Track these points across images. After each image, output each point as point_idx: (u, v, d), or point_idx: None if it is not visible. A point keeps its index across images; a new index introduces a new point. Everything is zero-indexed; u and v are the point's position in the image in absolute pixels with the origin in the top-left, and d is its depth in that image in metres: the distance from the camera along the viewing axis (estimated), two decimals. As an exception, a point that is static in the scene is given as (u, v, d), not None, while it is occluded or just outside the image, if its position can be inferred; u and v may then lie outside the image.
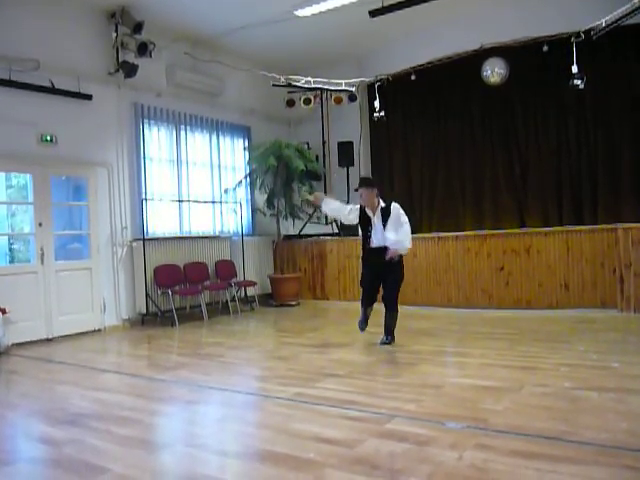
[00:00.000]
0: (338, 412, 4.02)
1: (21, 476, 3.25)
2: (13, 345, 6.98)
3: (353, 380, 4.94)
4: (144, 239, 8.63)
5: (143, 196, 8.81)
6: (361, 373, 5.20)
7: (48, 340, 7.51)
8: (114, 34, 8.29)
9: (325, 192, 11.11)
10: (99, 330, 8.16)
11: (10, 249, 8.10)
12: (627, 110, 8.78)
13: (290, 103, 11.08)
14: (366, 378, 5.02)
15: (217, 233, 10.10)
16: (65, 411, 4.33)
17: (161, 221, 9.14)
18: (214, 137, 10.28)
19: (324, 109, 11.24)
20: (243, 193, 10.66)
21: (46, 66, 7.55)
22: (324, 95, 10.91)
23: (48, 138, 7.69)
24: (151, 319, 8.70)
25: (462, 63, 9.44)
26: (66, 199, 8.49)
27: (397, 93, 10.59)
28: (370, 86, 10.63)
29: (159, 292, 8.72)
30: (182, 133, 9.65)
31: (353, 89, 10.54)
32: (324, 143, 11.38)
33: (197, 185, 9.85)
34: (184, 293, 8.97)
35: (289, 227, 10.86)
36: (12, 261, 8.03)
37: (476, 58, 9.23)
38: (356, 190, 6.45)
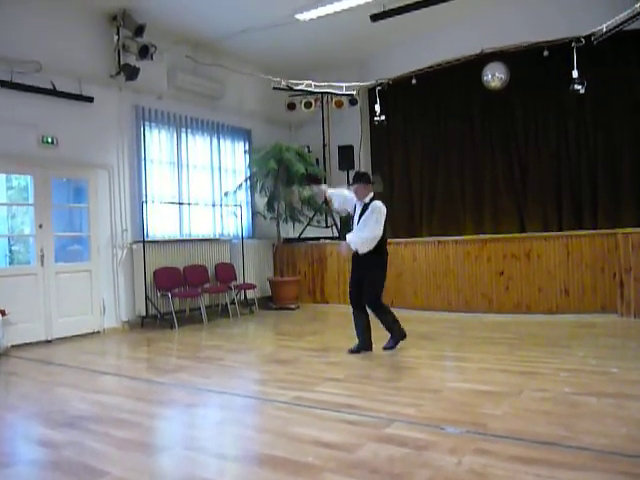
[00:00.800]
0: (337, 416, 4.02)
1: (20, 479, 3.24)
2: (12, 347, 6.98)
3: (352, 384, 4.94)
4: (144, 241, 8.63)
5: (143, 198, 8.81)
6: (360, 377, 5.20)
7: (47, 342, 7.51)
8: (116, 37, 8.31)
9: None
10: (98, 332, 8.16)
11: (10, 250, 8.11)
12: (627, 114, 8.79)
13: (291, 106, 11.10)
14: (365, 382, 5.02)
15: (217, 236, 10.10)
16: (64, 413, 4.33)
17: (161, 223, 9.14)
18: (215, 140, 10.29)
19: (325, 113, 11.26)
20: (243, 196, 10.66)
21: (48, 68, 7.57)
22: (325, 99, 10.93)
23: (49, 140, 7.70)
24: (151, 321, 8.69)
25: (463, 67, 9.45)
26: (66, 201, 8.49)
27: (398, 97, 10.61)
28: (371, 90, 10.65)
29: (159, 294, 8.72)
30: (183, 136, 9.66)
31: (354, 93, 10.57)
32: (325, 146, 11.39)
33: (197, 188, 9.86)
34: (184, 296, 8.96)
35: (289, 230, 10.86)
36: (12, 262, 8.04)
37: (477, 63, 9.25)
38: (350, 184, 6.20)
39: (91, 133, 8.24)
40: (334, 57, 10.58)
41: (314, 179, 9.74)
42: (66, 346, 7.36)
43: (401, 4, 7.71)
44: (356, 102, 10.76)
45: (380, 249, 6.02)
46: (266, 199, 10.40)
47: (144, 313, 8.61)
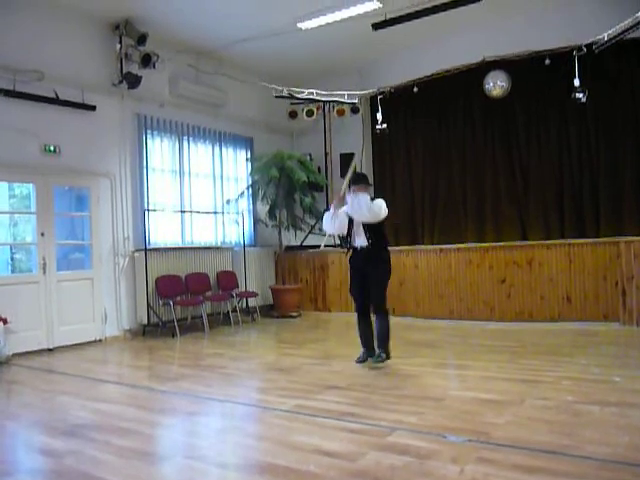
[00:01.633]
0: (339, 424, 4.01)
1: (20, 487, 3.24)
2: (14, 355, 6.97)
3: (354, 392, 4.92)
4: (146, 249, 8.63)
5: (145, 206, 8.82)
6: (362, 385, 5.19)
7: (49, 350, 7.50)
8: (118, 45, 8.35)
9: (327, 203, 11.15)
10: (100, 340, 8.15)
11: (12, 259, 8.11)
12: (629, 122, 8.78)
13: (292, 115, 11.13)
14: (367, 390, 5.00)
15: (219, 244, 10.11)
16: (65, 422, 4.32)
17: (163, 231, 9.15)
18: (216, 148, 10.31)
19: (326, 121, 11.28)
20: (245, 204, 10.67)
21: (50, 77, 7.60)
22: (326, 107, 10.95)
23: (51, 148, 7.73)
24: (152, 330, 8.68)
25: (464, 76, 9.48)
26: (68, 209, 8.51)
27: (399, 105, 10.62)
28: (372, 98, 10.67)
29: (160, 303, 8.71)
30: (185, 144, 9.68)
31: (355, 101, 10.60)
32: (326, 154, 11.39)
33: (199, 196, 9.87)
34: (185, 304, 8.96)
35: (291, 238, 10.86)
36: (14, 271, 8.04)
37: (478, 71, 9.27)
38: (350, 187, 6.02)
39: (93, 141, 8.27)
40: (336, 65, 10.61)
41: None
42: (68, 354, 7.35)
43: (402, 13, 7.73)
44: (358, 110, 10.79)
45: (385, 244, 6.00)
46: (268, 207, 10.40)
47: (146, 321, 8.60)
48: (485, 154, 10.16)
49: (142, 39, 8.27)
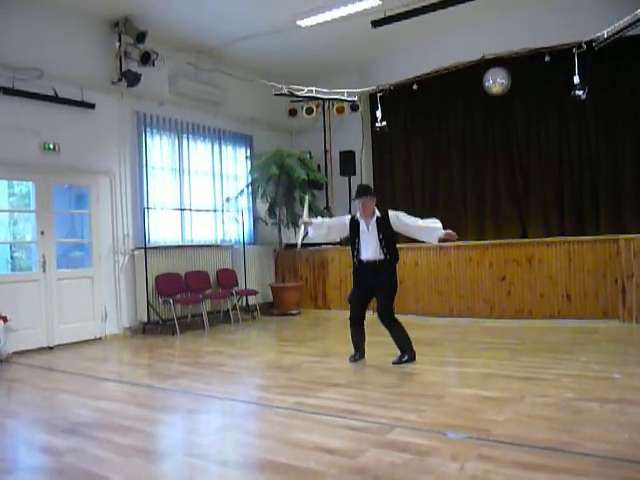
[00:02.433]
0: (339, 422, 4.01)
1: (21, 485, 3.25)
2: (14, 353, 6.97)
3: (354, 390, 4.93)
4: (146, 247, 8.63)
5: (145, 204, 8.82)
6: (362, 383, 5.20)
7: (49, 348, 7.51)
8: (117, 43, 8.34)
9: (327, 202, 11.15)
10: (100, 338, 8.16)
11: (12, 257, 8.10)
12: (629, 119, 8.80)
13: (292, 112, 11.13)
14: (367, 388, 5.01)
15: (219, 242, 10.11)
16: (66, 420, 4.32)
17: (163, 229, 9.15)
18: (216, 146, 10.31)
19: (326, 118, 11.28)
20: (245, 202, 10.67)
21: (49, 75, 7.59)
22: (326, 104, 10.95)
23: (51, 146, 7.72)
24: (152, 328, 8.69)
25: (464, 73, 9.47)
26: (68, 207, 8.51)
27: (399, 103, 10.61)
28: (372, 96, 10.66)
29: (160, 301, 8.71)
30: (184, 142, 9.67)
31: (355, 99, 10.58)
32: (326, 152, 11.39)
33: (199, 194, 9.87)
34: (185, 302, 8.96)
35: (290, 236, 10.86)
36: (14, 269, 8.04)
37: (478, 68, 9.26)
38: (355, 199, 6.02)
39: (93, 139, 8.26)
40: (335, 63, 10.60)
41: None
42: (68, 352, 7.36)
43: (402, 10, 7.73)
44: (357, 108, 10.78)
45: (397, 257, 5.98)
46: (267, 205, 10.41)
47: (146, 319, 8.60)
48: (485, 152, 10.17)
49: (141, 37, 8.27)
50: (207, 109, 10.05)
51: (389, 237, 5.87)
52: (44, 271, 7.57)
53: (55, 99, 7.69)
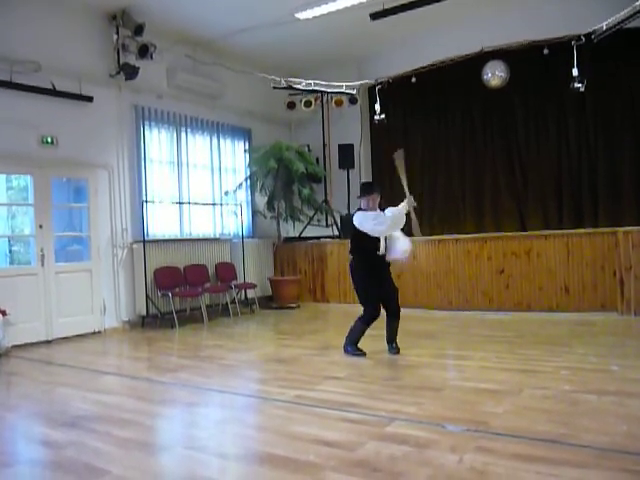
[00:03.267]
0: (338, 415, 4.02)
1: (21, 478, 3.25)
2: (13, 347, 6.98)
3: (353, 382, 4.94)
4: (144, 241, 8.63)
5: (143, 198, 8.81)
6: (361, 375, 5.20)
7: (48, 342, 7.51)
8: (115, 36, 8.31)
9: (325, 195, 11.14)
10: (99, 332, 8.16)
11: (10, 251, 8.10)
12: (628, 112, 8.80)
13: (291, 105, 11.09)
14: (366, 380, 5.02)
15: (217, 235, 10.10)
16: (65, 413, 4.33)
17: (161, 223, 9.15)
18: (214, 139, 10.29)
19: (325, 111, 11.26)
20: (243, 195, 10.67)
21: (47, 68, 7.57)
22: (325, 97, 10.92)
23: (49, 140, 7.70)
24: (151, 321, 8.69)
25: (463, 66, 9.45)
26: (66, 201, 8.50)
27: (398, 96, 10.60)
28: (371, 88, 10.64)
29: (159, 294, 8.72)
30: (182, 135, 9.66)
31: (354, 91, 10.56)
32: (325, 145, 11.39)
33: (197, 187, 9.86)
34: (184, 295, 8.96)
35: (289, 229, 10.87)
36: (12, 263, 8.04)
37: (477, 61, 9.23)
38: (359, 197, 6.13)
39: (91, 133, 8.24)
40: (334, 56, 10.57)
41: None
42: (67, 346, 7.36)
43: (400, 3, 7.71)
44: (356, 101, 10.76)
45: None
46: (266, 198, 10.40)
47: (145, 313, 8.61)
48: (484, 144, 10.17)
49: (139, 30, 8.23)
50: (205, 102, 10.03)
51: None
52: (42, 265, 7.56)
53: (53, 92, 7.66)
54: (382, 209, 6.06)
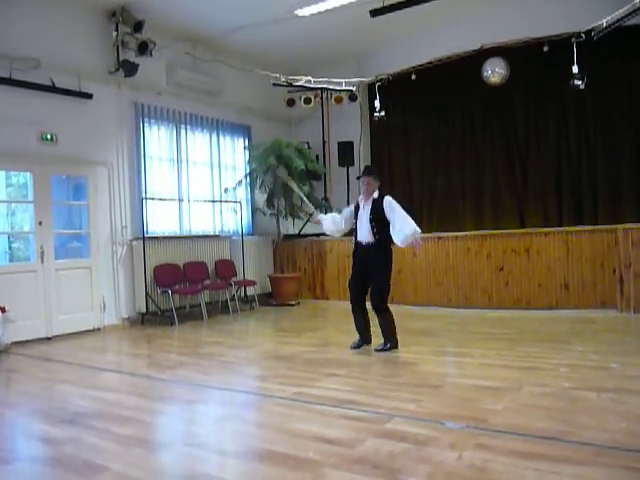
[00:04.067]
0: (338, 412, 4.02)
1: (21, 475, 3.25)
2: (12, 344, 6.97)
3: (353, 380, 4.94)
4: (144, 238, 8.62)
5: (143, 195, 8.80)
6: (361, 373, 5.20)
7: (47, 339, 7.51)
8: (114, 33, 8.29)
9: (325, 192, 11.14)
10: (99, 329, 8.16)
11: (10, 248, 8.09)
12: (628, 109, 8.79)
13: (290, 103, 11.09)
14: (366, 378, 5.02)
15: (217, 232, 10.10)
16: (65, 410, 4.33)
17: (161, 220, 9.14)
18: (214, 136, 10.28)
19: (324, 109, 11.25)
20: (243, 192, 10.66)
21: (47, 65, 7.55)
22: (324, 95, 10.91)
23: (48, 137, 7.69)
24: (151, 318, 8.69)
25: (463, 63, 9.45)
26: (66, 198, 8.49)
27: (397, 93, 10.59)
28: (370, 86, 10.64)
29: (159, 291, 8.71)
30: (182, 132, 9.64)
31: (353, 89, 10.55)
32: (324, 143, 11.38)
33: (197, 184, 9.85)
34: (184, 292, 8.96)
35: (289, 227, 10.86)
36: (12, 260, 8.03)
37: (477, 58, 9.24)
38: (358, 178, 6.11)
39: (90, 130, 8.23)
40: (333, 53, 10.56)
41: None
42: (66, 343, 7.36)
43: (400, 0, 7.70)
44: (356, 98, 10.75)
45: (389, 244, 5.97)
46: (266, 195, 10.39)
47: (144, 310, 8.60)
48: (483, 141, 10.16)
49: (138, 26, 8.22)
50: (205, 99, 10.01)
51: (381, 220, 5.86)
52: (42, 262, 7.56)
53: (52, 89, 7.65)
54: (382, 195, 5.95)
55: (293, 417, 3.98)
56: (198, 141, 9.98)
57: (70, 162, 8.00)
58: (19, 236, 8.21)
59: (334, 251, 10.31)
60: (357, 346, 6.12)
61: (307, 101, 10.90)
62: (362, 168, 6.33)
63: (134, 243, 8.68)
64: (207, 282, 9.38)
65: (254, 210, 10.87)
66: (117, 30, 8.28)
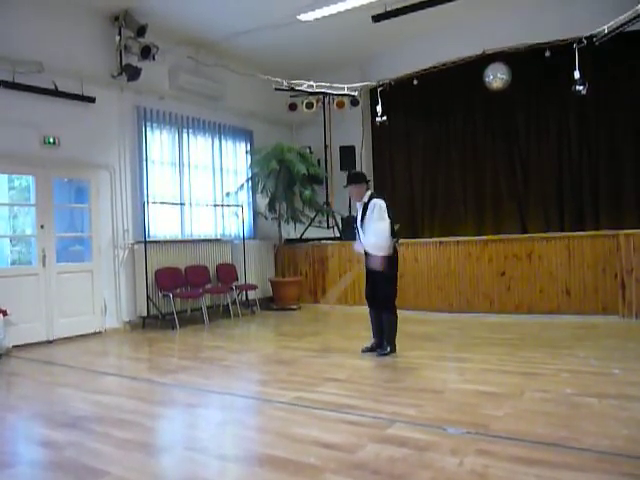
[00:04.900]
0: (338, 417, 4.02)
1: (22, 479, 3.25)
2: (14, 347, 6.98)
3: (353, 384, 4.93)
4: (145, 242, 8.63)
5: (145, 199, 8.81)
6: (361, 378, 5.20)
7: (49, 342, 7.51)
8: (117, 37, 8.32)
9: (327, 196, 11.14)
10: (100, 332, 8.16)
11: (12, 251, 8.11)
12: (629, 115, 8.79)
13: (292, 107, 11.11)
14: (366, 383, 5.02)
15: (218, 236, 10.10)
16: (65, 414, 4.33)
17: (163, 224, 9.14)
18: (216, 140, 10.30)
19: (326, 113, 11.26)
20: (245, 196, 10.66)
21: (50, 68, 7.58)
22: (326, 99, 10.93)
23: (51, 140, 7.71)
24: (152, 322, 8.69)
25: (464, 68, 9.46)
26: (68, 201, 8.50)
27: (399, 98, 10.60)
28: (372, 90, 10.65)
29: (160, 295, 8.71)
30: (184, 136, 9.66)
31: (355, 93, 10.58)
32: (326, 147, 11.38)
33: (199, 188, 9.86)
34: (185, 296, 8.96)
35: (290, 231, 10.86)
36: (14, 263, 8.05)
37: (478, 63, 9.25)
38: (345, 187, 6.11)
39: (93, 133, 8.25)
40: (336, 58, 10.58)
41: None
42: (67, 346, 7.36)
43: (403, 5, 7.71)
44: (358, 103, 10.77)
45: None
46: (267, 200, 10.40)
47: (145, 313, 8.61)
48: (485, 147, 10.17)
49: (142, 31, 8.24)
50: (207, 103, 10.03)
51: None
52: (44, 265, 7.57)
53: (55, 93, 7.67)
54: (371, 198, 5.92)
55: (294, 422, 3.97)
56: (200, 145, 10.00)
57: (72, 165, 8.01)
58: (21, 239, 8.23)
59: (335, 256, 10.31)
60: (366, 350, 6.13)
61: (309, 106, 10.92)
62: (347, 175, 6.20)
63: (136, 247, 8.68)
64: (208, 286, 9.38)
65: (256, 214, 10.88)
66: (120, 34, 8.30)
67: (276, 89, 10.23)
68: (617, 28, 7.41)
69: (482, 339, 6.92)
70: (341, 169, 10.96)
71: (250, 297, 10.15)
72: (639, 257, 7.67)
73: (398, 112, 10.84)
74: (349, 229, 9.72)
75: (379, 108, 10.08)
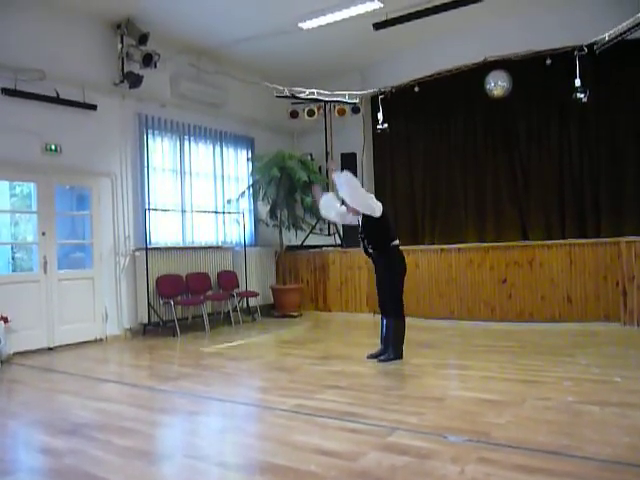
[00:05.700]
0: (339, 424, 4.01)
1: (21, 486, 3.24)
2: (14, 354, 6.97)
3: (354, 392, 4.92)
4: (147, 249, 8.63)
5: (146, 206, 8.82)
6: (363, 385, 5.19)
7: (49, 349, 7.51)
8: (119, 45, 8.35)
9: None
10: (101, 340, 8.15)
11: (13, 258, 8.11)
12: (630, 122, 8.78)
13: (293, 114, 11.14)
14: (368, 390, 5.00)
15: (220, 243, 10.11)
16: (66, 421, 4.32)
17: (164, 231, 9.15)
18: (217, 148, 10.31)
19: (327, 120, 11.27)
20: (246, 204, 10.66)
21: (51, 76, 7.60)
22: (327, 107, 10.96)
23: (53, 147, 7.73)
24: (153, 329, 8.68)
25: (465, 76, 9.47)
26: (70, 208, 8.51)
27: (400, 105, 10.61)
28: (373, 98, 10.67)
29: (161, 302, 8.71)
30: (186, 143, 9.67)
31: (356, 101, 10.60)
32: (327, 154, 11.39)
33: (200, 195, 9.87)
34: (186, 303, 8.96)
35: (291, 238, 10.86)
36: (15, 270, 8.04)
37: (479, 71, 9.27)
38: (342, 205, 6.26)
39: (94, 141, 8.27)
40: (337, 65, 10.61)
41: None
42: (68, 353, 7.36)
43: (403, 13, 7.74)
44: (359, 110, 10.79)
45: (392, 250, 6.06)
46: (268, 207, 10.40)
47: (146, 320, 8.60)
48: (486, 154, 10.16)
49: (143, 38, 8.28)
50: (209, 111, 10.05)
51: (366, 225, 6.02)
52: (45, 272, 7.57)
53: (57, 100, 7.69)
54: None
55: (294, 429, 3.96)
56: (201, 152, 10.01)
57: (74, 173, 8.03)
58: (22, 246, 8.23)
59: (337, 263, 10.30)
60: (373, 356, 6.15)
61: (310, 113, 10.95)
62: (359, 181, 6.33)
63: (137, 254, 8.68)
64: (209, 293, 9.38)
65: (257, 221, 10.88)
66: (122, 42, 8.34)
67: (277, 96, 10.25)
68: (618, 36, 7.43)
69: (483, 346, 6.91)
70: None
71: (251, 304, 10.14)
72: (640, 264, 7.67)
73: (399, 119, 10.85)
74: (350, 236, 9.72)
75: (380, 115, 10.10)
